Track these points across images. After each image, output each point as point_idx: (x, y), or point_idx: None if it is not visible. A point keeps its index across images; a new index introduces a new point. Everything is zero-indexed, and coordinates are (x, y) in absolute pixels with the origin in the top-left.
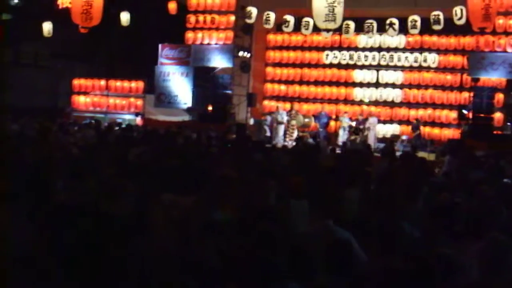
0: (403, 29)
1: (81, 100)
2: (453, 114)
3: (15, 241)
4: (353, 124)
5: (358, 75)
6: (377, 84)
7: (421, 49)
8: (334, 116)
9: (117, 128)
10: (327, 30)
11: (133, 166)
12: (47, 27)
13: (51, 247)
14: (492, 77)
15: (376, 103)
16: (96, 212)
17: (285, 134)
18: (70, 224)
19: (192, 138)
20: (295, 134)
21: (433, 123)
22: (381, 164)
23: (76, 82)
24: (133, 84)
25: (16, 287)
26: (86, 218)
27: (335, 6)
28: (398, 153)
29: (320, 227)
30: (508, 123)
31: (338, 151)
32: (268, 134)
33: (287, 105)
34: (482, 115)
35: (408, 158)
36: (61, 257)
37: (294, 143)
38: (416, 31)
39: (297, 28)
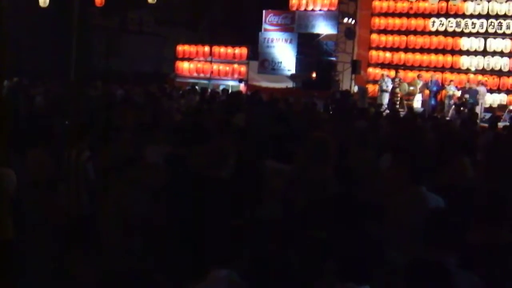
0: None
1: (185, 66)
2: None
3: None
4: (459, 94)
5: (465, 43)
6: (484, 52)
7: None
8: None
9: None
10: None
11: (238, 132)
12: None
13: (169, 214)
14: None
15: (483, 71)
16: (210, 179)
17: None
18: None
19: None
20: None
21: None
22: (486, 135)
23: (180, 48)
24: (237, 50)
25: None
26: (202, 185)
27: None
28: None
29: (413, 194)
30: None
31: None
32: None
33: (392, 73)
34: None
35: None
36: (179, 223)
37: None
38: None
39: None
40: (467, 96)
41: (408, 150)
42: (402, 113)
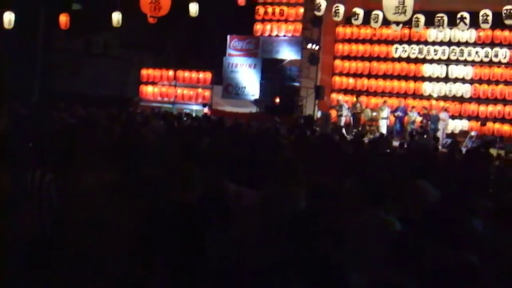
0: (474, 24)
1: (149, 90)
2: None
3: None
4: (420, 119)
5: (427, 70)
6: (446, 79)
7: (492, 44)
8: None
9: (185, 118)
10: (397, 23)
11: (204, 155)
12: (116, 17)
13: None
14: None
15: (445, 98)
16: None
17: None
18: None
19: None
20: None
21: (503, 119)
22: (446, 160)
23: (145, 72)
24: (201, 74)
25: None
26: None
27: None
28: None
29: (372, 217)
30: None
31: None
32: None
33: (355, 99)
34: None
35: (474, 154)
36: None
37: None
38: (487, 25)
39: (366, 21)
40: (424, 121)
41: (373, 173)
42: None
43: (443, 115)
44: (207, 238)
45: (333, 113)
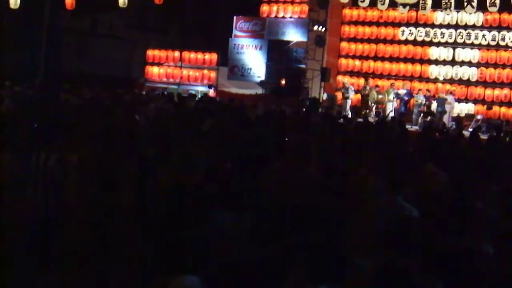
0: (482, 7)
1: (154, 71)
2: None
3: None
4: (425, 102)
5: (434, 52)
6: (453, 62)
7: (499, 27)
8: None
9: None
10: (404, 5)
11: (207, 137)
12: None
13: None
14: None
15: (451, 81)
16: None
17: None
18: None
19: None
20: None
21: (509, 103)
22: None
23: (150, 52)
24: (207, 56)
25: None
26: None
27: None
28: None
29: (388, 202)
30: None
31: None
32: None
33: (361, 81)
34: None
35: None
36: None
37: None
38: (494, 8)
39: (373, 3)
40: (434, 105)
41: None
42: (372, 120)
43: (449, 98)
44: (209, 222)
45: (339, 95)
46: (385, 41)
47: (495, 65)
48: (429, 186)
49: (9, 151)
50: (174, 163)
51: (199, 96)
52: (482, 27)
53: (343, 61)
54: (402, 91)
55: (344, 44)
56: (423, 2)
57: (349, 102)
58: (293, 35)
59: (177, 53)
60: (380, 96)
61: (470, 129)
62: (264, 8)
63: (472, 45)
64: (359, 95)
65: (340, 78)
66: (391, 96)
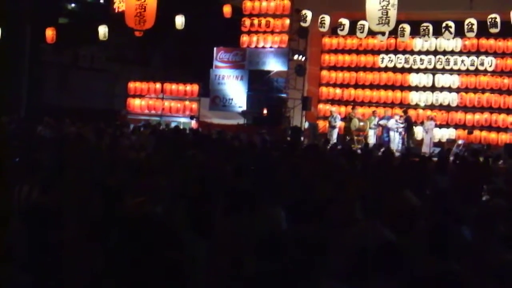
0: (460, 32)
1: (136, 103)
2: (510, 118)
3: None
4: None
5: (414, 79)
6: (433, 88)
7: (477, 53)
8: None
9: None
10: (382, 33)
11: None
12: (102, 30)
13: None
14: None
15: (432, 107)
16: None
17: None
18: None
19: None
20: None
21: (489, 127)
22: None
23: (132, 85)
24: (188, 87)
25: None
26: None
27: (389, 9)
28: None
29: (367, 226)
30: None
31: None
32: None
33: (342, 109)
34: None
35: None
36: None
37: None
38: (472, 34)
39: (352, 31)
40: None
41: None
42: (354, 148)
43: (428, 123)
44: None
45: (321, 123)
46: (365, 68)
47: (475, 90)
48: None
49: None
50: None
51: (181, 127)
52: (460, 53)
53: (323, 89)
54: (382, 121)
55: (324, 73)
56: (402, 29)
57: (336, 131)
58: (274, 64)
59: (158, 85)
60: (361, 124)
61: (452, 156)
62: (244, 38)
63: (451, 71)
64: (343, 123)
65: (321, 106)
66: (373, 124)
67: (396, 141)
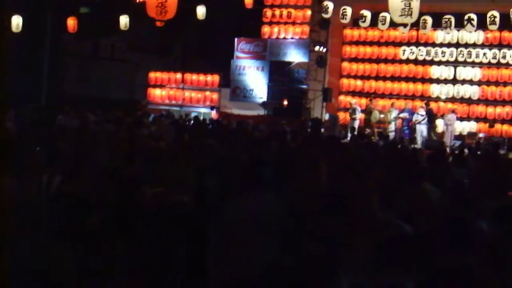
0: (482, 25)
1: (156, 93)
2: None
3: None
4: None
5: (435, 71)
6: (454, 81)
7: (500, 45)
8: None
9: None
10: (404, 25)
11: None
12: (123, 20)
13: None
14: None
15: (453, 99)
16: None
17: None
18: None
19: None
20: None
21: (511, 121)
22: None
23: (152, 75)
24: (209, 77)
25: None
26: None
27: (412, 1)
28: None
29: (382, 219)
30: None
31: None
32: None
33: (363, 101)
34: None
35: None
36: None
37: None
38: (495, 27)
39: (373, 23)
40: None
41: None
42: (374, 141)
43: (450, 116)
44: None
45: (341, 115)
46: (386, 60)
47: (497, 83)
48: (423, 203)
49: (8, 174)
50: (162, 183)
51: (201, 118)
52: (482, 45)
53: (344, 81)
54: (403, 114)
55: (345, 64)
56: (423, 21)
57: (357, 123)
58: (295, 56)
59: (179, 75)
60: (382, 116)
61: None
62: (265, 29)
63: (473, 64)
64: (363, 115)
65: (342, 98)
66: (393, 116)
67: (418, 134)
